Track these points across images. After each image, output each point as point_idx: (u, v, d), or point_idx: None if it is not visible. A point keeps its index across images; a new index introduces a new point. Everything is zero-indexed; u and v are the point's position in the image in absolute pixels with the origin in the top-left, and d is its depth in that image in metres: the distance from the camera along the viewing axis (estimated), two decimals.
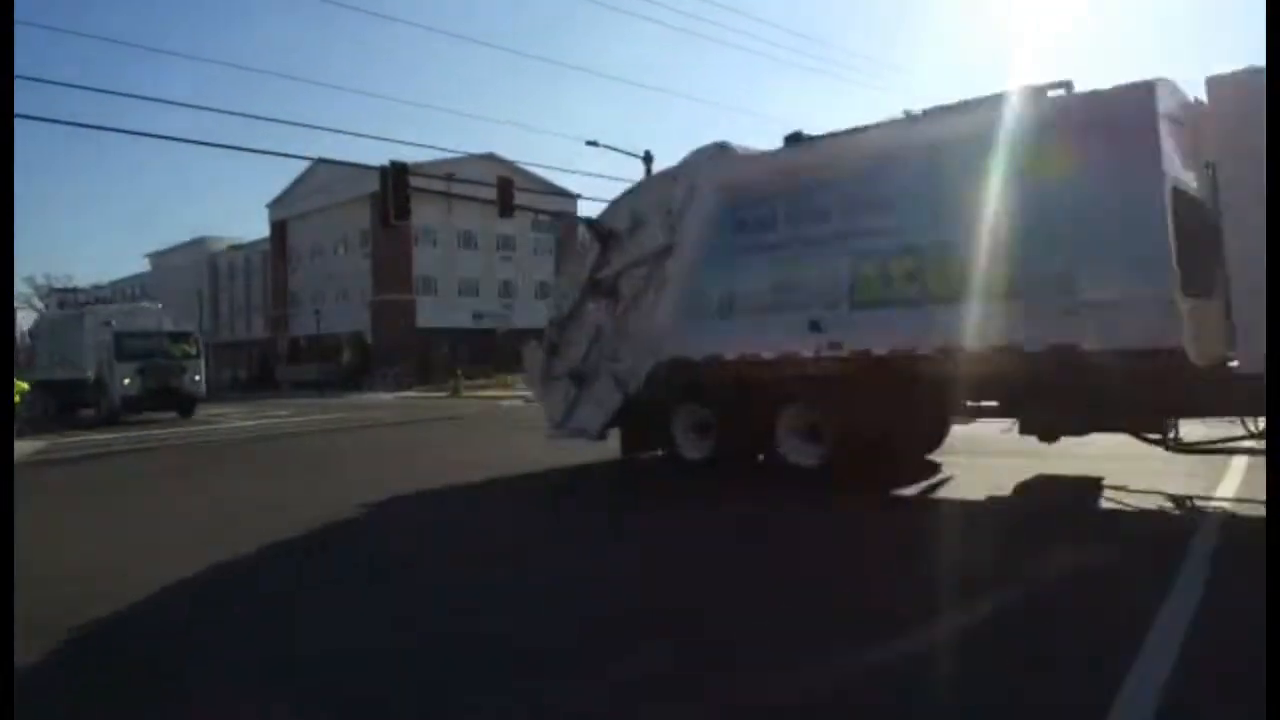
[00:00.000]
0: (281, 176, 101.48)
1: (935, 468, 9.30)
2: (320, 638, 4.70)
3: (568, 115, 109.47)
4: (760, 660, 4.06)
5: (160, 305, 30.68)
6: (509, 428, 18.11)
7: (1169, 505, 7.21)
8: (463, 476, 10.64)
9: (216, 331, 63.84)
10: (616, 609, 5.05)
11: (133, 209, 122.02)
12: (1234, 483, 7.80)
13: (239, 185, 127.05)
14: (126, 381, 23.35)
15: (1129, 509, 7.17)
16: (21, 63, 23.78)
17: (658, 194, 10.24)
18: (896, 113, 8.91)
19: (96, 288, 44.57)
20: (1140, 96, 6.92)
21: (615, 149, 26.64)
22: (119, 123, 63.10)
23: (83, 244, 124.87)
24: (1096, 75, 52.50)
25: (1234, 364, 7.13)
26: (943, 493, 8.32)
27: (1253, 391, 6.16)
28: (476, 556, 6.64)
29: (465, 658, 4.27)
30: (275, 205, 62.86)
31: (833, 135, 9.13)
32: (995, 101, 7.74)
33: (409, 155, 20.74)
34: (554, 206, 44.05)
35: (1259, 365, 5.86)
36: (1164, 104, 6.95)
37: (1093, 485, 8.05)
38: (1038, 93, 7.58)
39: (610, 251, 10.57)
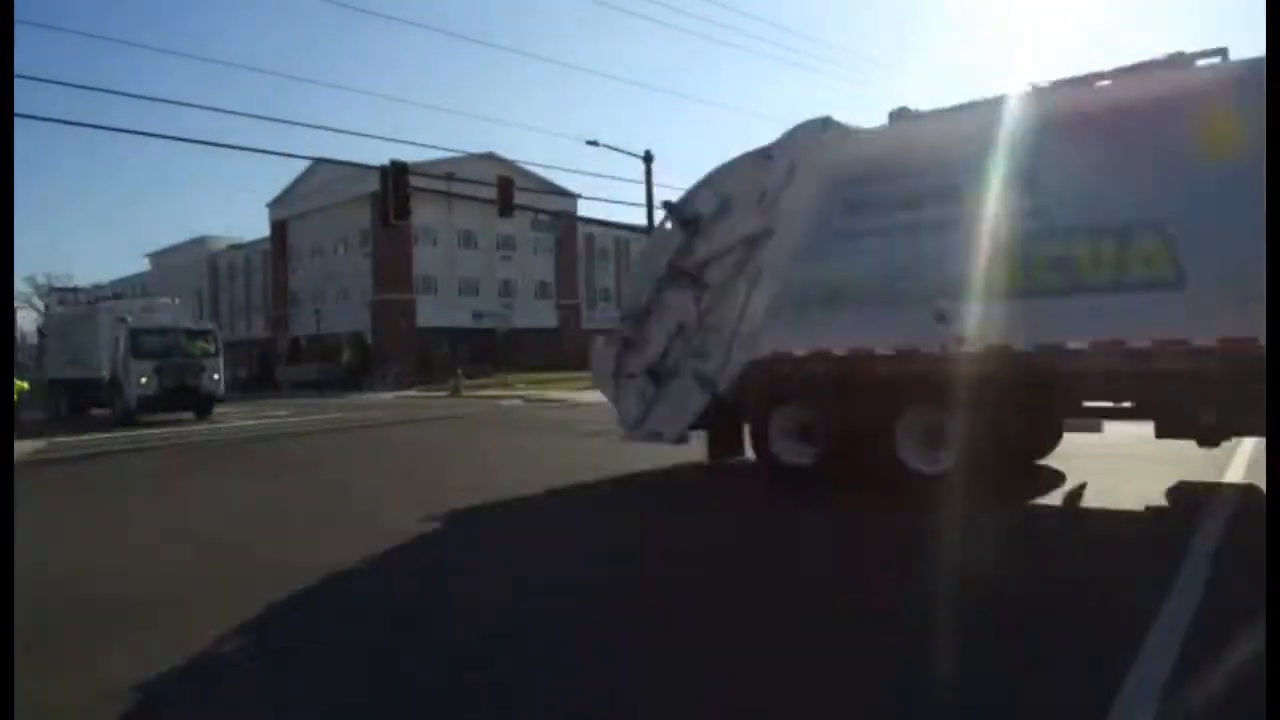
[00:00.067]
0: (282, 176, 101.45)
1: (1058, 475, 8.51)
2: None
3: (568, 115, 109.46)
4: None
5: (178, 300, 29.67)
6: (524, 428, 18.12)
7: (1169, 504, 7.23)
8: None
9: None
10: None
11: (133, 209, 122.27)
12: (1235, 478, 7.83)
13: (239, 185, 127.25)
14: (143, 380, 22.31)
15: (1129, 509, 7.17)
16: (22, 61, 23.82)
17: (750, 174, 9.36)
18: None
19: (97, 287, 44.49)
20: None
21: (615, 149, 26.69)
22: (119, 122, 63.21)
23: (83, 244, 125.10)
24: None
25: None
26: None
27: None
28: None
29: None
30: (275, 205, 62.88)
31: (962, 107, 8.27)
32: (1154, 67, 7.13)
33: (409, 155, 20.81)
34: (554, 206, 44.05)
35: None
36: None
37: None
38: (1192, 59, 6.96)
39: (694, 238, 9.75)
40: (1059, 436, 8.84)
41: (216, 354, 24.39)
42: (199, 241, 73.79)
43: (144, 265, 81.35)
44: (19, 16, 11.51)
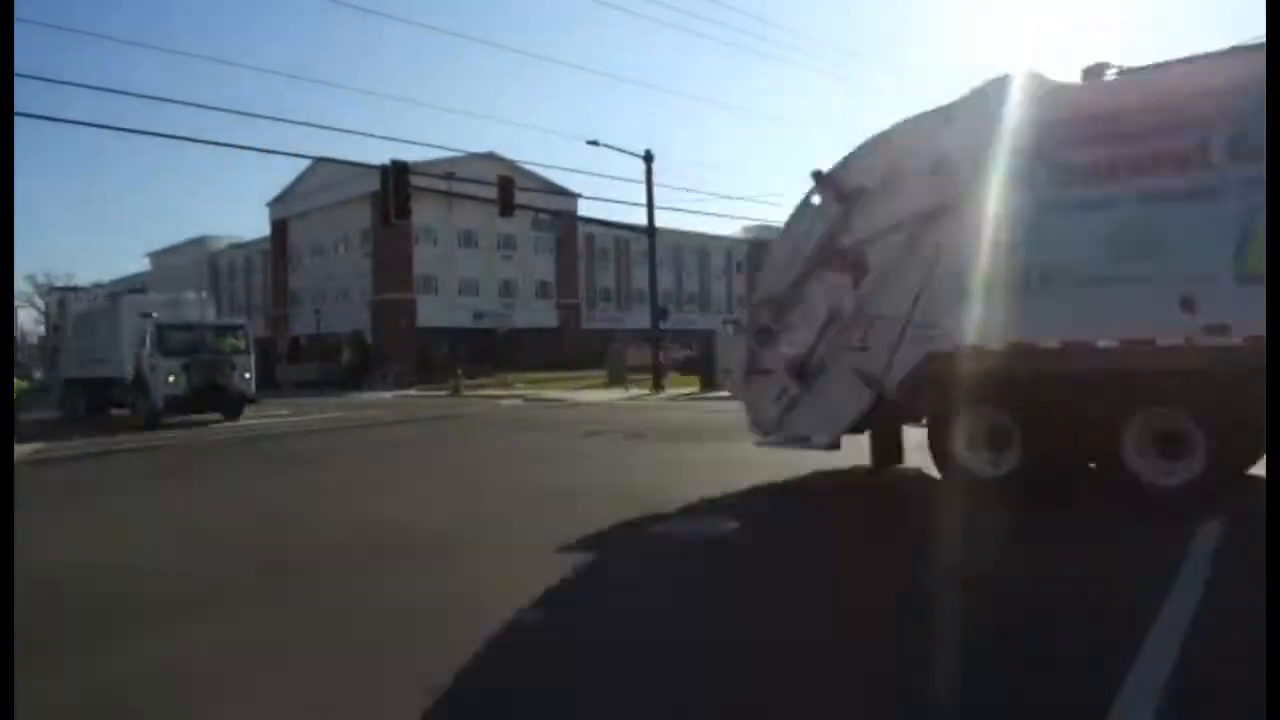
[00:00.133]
0: (282, 175, 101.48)
1: None
2: None
3: (569, 114, 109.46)
4: None
5: (205, 294, 27.48)
6: (524, 428, 18.11)
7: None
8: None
9: None
10: None
11: (133, 208, 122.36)
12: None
13: (239, 184, 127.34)
14: (171, 379, 20.50)
15: (1129, 509, 7.15)
16: (22, 61, 23.85)
17: (924, 140, 8.14)
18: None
19: (97, 286, 44.50)
20: None
21: (615, 148, 26.71)
22: (119, 122, 63.25)
23: (83, 244, 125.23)
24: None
25: None
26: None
27: None
28: None
29: None
30: (276, 204, 62.94)
31: (1214, 54, 7.12)
32: None
33: (410, 154, 20.84)
34: (554, 206, 44.07)
35: None
36: None
37: None
38: None
39: (853, 214, 8.52)
40: None
41: (247, 351, 22.38)
42: (199, 241, 73.84)
43: (144, 264, 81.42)
44: (19, 16, 11.52)
